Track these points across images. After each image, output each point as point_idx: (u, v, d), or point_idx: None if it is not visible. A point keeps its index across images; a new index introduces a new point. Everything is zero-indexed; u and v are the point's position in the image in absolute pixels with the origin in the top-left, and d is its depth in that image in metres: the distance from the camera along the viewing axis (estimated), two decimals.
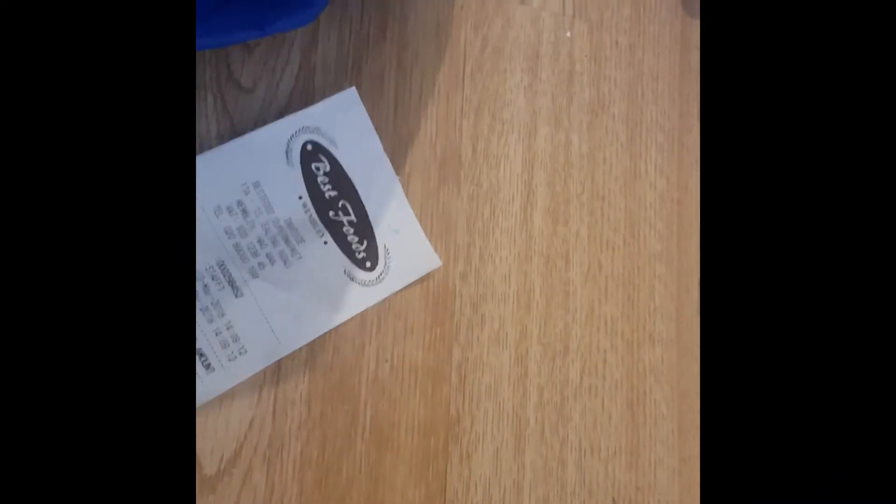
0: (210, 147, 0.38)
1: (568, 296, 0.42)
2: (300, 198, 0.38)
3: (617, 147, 0.45)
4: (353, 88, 0.40)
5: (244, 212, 0.37)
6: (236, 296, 0.36)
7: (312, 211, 0.38)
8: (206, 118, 0.39)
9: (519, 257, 0.42)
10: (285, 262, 0.37)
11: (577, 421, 0.41)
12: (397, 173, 0.40)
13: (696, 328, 0.44)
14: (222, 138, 0.39)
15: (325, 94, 0.41)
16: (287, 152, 0.38)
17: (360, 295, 0.38)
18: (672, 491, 0.42)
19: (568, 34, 0.46)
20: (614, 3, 0.47)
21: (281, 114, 0.40)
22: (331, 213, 0.38)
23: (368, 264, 0.38)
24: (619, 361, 0.42)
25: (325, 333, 0.38)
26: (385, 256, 0.39)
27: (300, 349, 0.37)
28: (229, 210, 0.37)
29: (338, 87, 0.41)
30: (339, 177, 0.39)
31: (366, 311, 0.39)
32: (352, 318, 0.38)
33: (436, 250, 0.40)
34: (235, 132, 0.39)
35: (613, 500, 0.41)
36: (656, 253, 0.44)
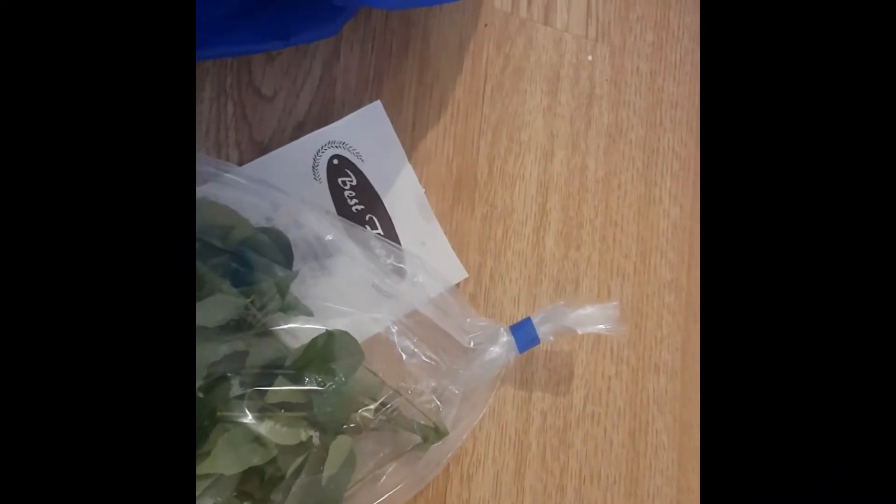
0: (228, 156, 0.38)
1: None
2: (327, 212, 0.38)
3: (633, 173, 0.45)
4: (378, 102, 0.39)
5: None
6: None
7: (340, 226, 0.37)
8: (226, 125, 0.39)
9: (529, 280, 0.42)
10: (315, 278, 0.37)
11: (578, 447, 0.41)
12: None
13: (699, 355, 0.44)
14: (240, 146, 0.39)
15: (344, 107, 0.41)
16: (314, 167, 0.38)
17: (389, 307, 0.38)
18: None
19: (590, 58, 0.46)
20: (637, 29, 0.47)
21: (300, 124, 0.40)
22: (358, 228, 0.38)
23: (396, 276, 0.38)
24: (623, 389, 0.42)
25: None
26: (412, 268, 0.38)
27: None
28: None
29: (358, 101, 0.41)
30: (365, 191, 0.39)
31: None
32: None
33: None
34: (253, 140, 0.39)
35: None
36: (666, 282, 0.44)
